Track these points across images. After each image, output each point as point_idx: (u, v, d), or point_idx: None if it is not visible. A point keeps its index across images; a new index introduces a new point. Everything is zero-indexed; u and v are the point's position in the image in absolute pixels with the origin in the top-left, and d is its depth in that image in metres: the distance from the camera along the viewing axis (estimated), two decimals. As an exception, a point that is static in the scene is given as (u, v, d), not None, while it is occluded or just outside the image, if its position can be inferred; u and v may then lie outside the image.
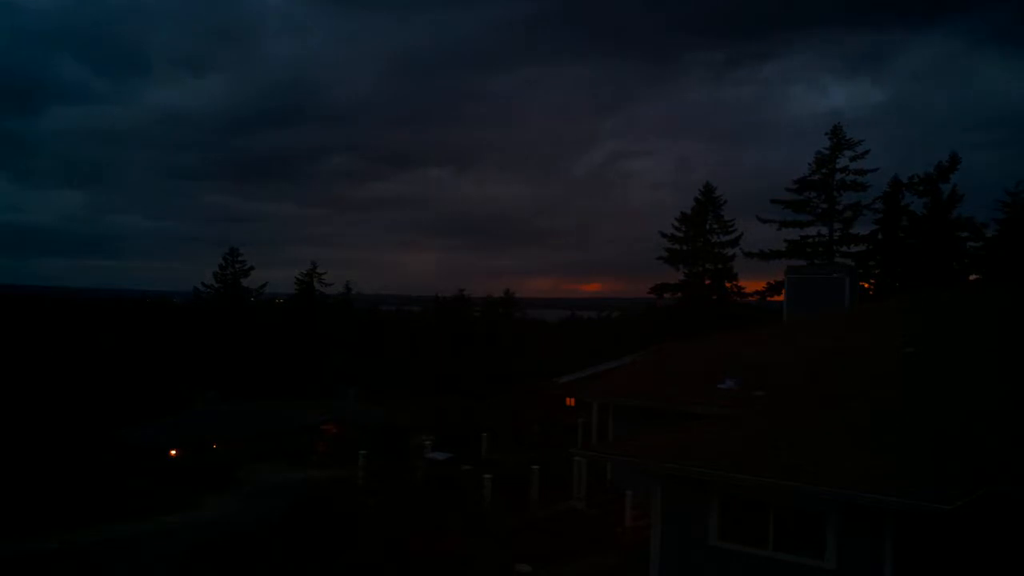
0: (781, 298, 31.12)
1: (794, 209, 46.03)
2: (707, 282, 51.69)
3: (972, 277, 42.61)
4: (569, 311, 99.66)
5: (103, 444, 32.00)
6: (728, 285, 51.72)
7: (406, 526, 19.57)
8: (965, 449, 12.00)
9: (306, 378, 52.36)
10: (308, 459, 32.66)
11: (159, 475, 28.48)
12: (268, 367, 53.29)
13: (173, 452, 32.30)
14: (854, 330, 20.21)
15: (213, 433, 34.41)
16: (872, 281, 44.48)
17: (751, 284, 51.81)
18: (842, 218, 45.35)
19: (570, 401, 34.36)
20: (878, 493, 10.69)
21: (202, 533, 21.18)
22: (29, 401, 39.87)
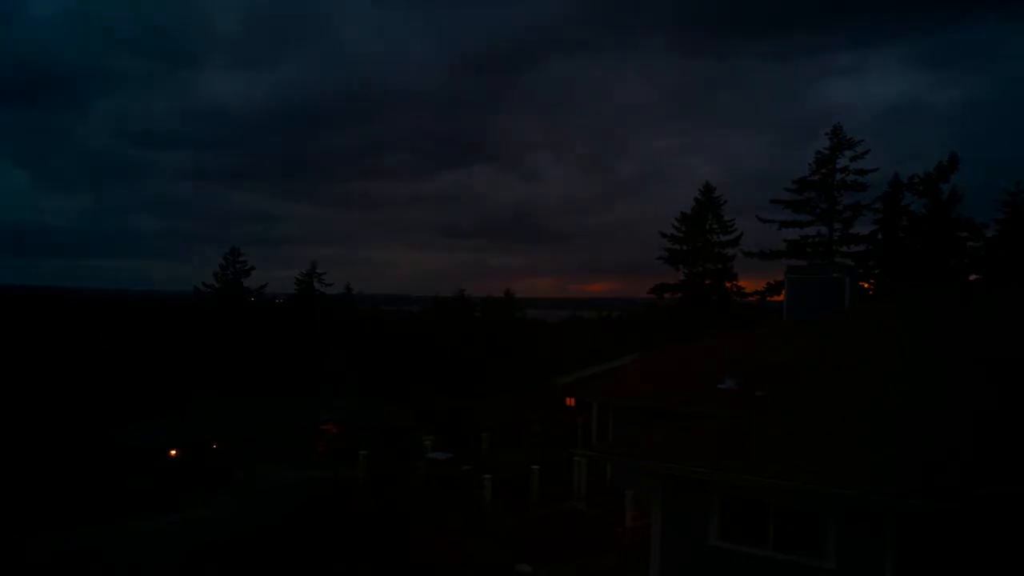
0: (781, 298, 31.07)
1: (794, 209, 46.02)
2: (707, 282, 51.68)
3: (972, 277, 42.61)
4: (571, 311, 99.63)
5: (103, 444, 31.99)
6: (728, 285, 51.72)
7: (406, 526, 19.59)
8: (964, 449, 12.00)
9: (306, 378, 52.32)
10: (308, 459, 32.66)
11: (159, 475, 28.48)
12: (268, 367, 53.25)
13: (173, 452, 32.28)
14: (854, 330, 20.20)
15: (213, 433, 34.38)
16: (872, 281, 44.47)
17: (751, 284, 51.90)
18: (842, 218, 45.33)
19: (570, 401, 34.34)
20: (878, 493, 10.69)
21: (202, 533, 21.20)
22: (30, 401, 39.85)
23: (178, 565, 18.86)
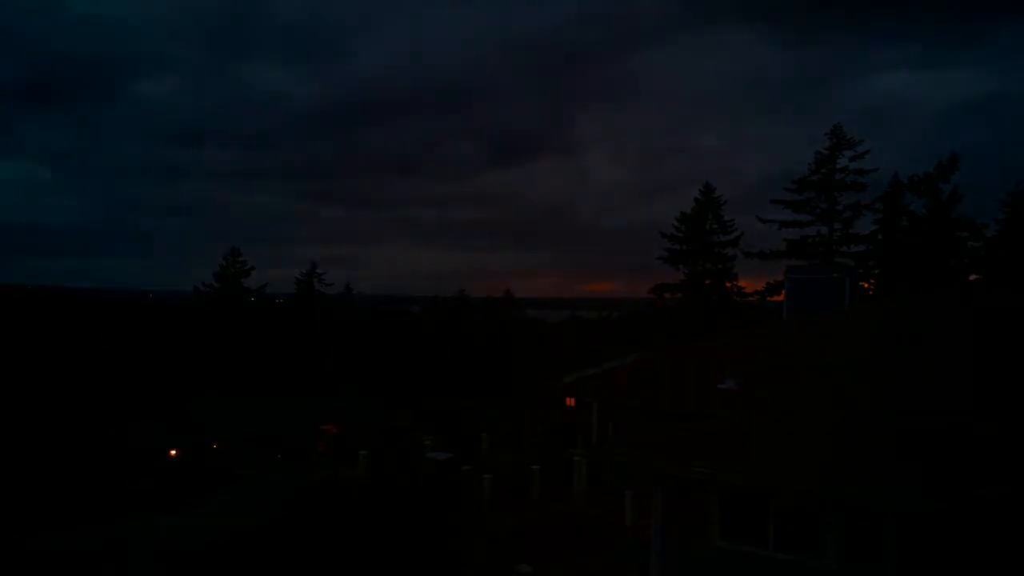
0: (781, 298, 31.09)
1: (794, 209, 46.01)
2: (707, 282, 51.66)
3: (972, 277, 42.62)
4: (571, 311, 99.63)
5: (104, 444, 32.02)
6: (728, 285, 51.68)
7: (406, 526, 19.60)
8: (964, 449, 12.00)
9: (306, 378, 52.36)
10: (308, 459, 32.66)
11: (159, 475, 28.49)
12: (268, 367, 53.29)
13: (173, 452, 32.30)
14: (853, 330, 20.20)
15: (213, 433, 34.41)
16: (872, 281, 44.47)
17: (751, 284, 51.81)
18: (842, 218, 45.33)
19: (570, 401, 34.39)
20: (877, 493, 10.69)
21: (202, 533, 21.20)
22: (30, 401, 39.87)
23: (178, 565, 18.86)
